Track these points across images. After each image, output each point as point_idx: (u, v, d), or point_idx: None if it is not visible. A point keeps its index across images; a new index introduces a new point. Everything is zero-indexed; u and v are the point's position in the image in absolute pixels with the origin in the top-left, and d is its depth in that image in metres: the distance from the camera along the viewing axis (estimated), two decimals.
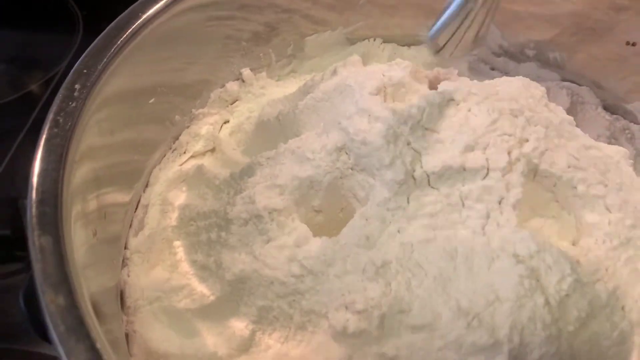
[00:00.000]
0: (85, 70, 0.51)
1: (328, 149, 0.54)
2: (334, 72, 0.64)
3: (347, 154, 0.55)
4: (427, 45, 0.56)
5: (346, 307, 0.49)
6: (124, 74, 0.56)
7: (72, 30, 0.97)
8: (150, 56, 0.60)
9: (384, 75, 0.59)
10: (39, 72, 0.92)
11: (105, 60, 0.53)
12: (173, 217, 0.62)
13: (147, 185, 0.65)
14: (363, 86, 0.57)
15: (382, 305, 0.48)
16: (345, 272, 0.50)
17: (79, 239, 0.46)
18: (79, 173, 0.48)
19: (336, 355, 0.49)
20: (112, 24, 0.55)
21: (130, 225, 0.62)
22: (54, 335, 0.35)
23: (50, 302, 0.36)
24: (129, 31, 0.55)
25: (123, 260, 0.59)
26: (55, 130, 0.46)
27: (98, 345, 0.35)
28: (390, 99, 0.58)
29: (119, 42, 0.54)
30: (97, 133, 0.52)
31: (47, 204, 0.41)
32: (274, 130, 0.64)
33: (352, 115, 0.55)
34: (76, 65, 0.51)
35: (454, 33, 0.55)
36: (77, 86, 0.49)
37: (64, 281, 0.37)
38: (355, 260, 0.50)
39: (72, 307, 0.36)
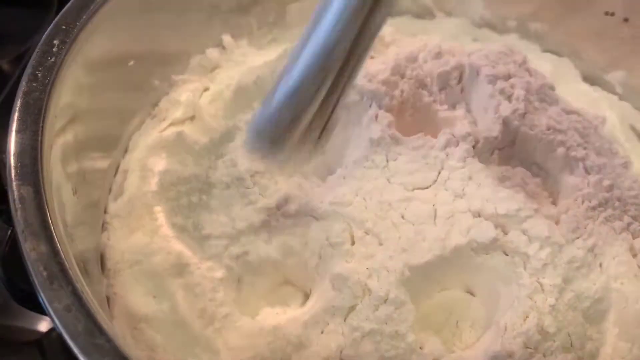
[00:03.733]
0: (64, 27, 0.50)
1: None
2: None
3: None
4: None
5: None
6: (103, 33, 0.55)
7: (46, 4, 0.94)
8: (131, 17, 0.59)
9: None
10: (10, 47, 0.89)
11: (84, 17, 0.52)
12: (153, 183, 0.61)
13: (126, 151, 0.64)
14: None
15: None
16: None
17: (62, 197, 0.45)
18: (59, 131, 0.47)
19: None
20: None
21: (110, 191, 0.61)
22: (35, 282, 0.35)
23: (31, 250, 0.35)
24: None
25: (103, 225, 0.58)
26: (34, 84, 0.45)
27: (81, 291, 0.34)
28: None
29: (99, 0, 0.53)
30: (76, 92, 0.51)
31: (27, 156, 0.41)
32: (252, 95, 0.64)
33: None
34: (55, 20, 0.50)
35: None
36: (56, 42, 0.48)
37: (46, 229, 0.37)
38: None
39: (54, 254, 0.36)
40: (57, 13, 0.88)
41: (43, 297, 0.34)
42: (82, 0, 0.52)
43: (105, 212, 0.59)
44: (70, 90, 0.50)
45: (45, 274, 0.34)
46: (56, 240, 0.36)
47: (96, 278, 0.50)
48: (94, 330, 0.33)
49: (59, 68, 0.47)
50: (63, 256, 0.36)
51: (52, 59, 0.47)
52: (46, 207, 0.38)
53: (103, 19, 0.54)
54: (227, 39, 0.73)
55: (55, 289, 0.34)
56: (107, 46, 0.56)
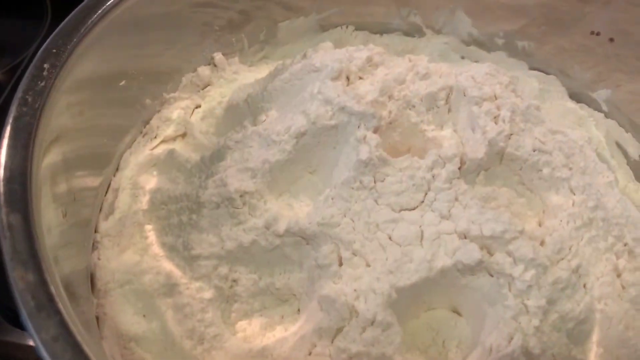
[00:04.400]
0: (54, 50, 0.50)
1: (291, 133, 0.56)
2: (304, 56, 0.64)
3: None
4: None
5: None
6: (94, 55, 0.55)
7: (40, 15, 0.94)
8: (122, 38, 0.59)
9: (348, 57, 0.61)
10: (4, 58, 0.88)
11: (75, 40, 0.52)
12: (144, 201, 0.61)
13: (117, 169, 0.64)
14: (326, 69, 0.59)
15: None
16: None
17: (49, 220, 0.45)
18: (48, 154, 0.47)
19: None
20: (84, 2, 0.54)
21: (101, 209, 0.61)
22: (23, 311, 0.35)
23: (19, 279, 0.36)
24: (100, 11, 0.54)
25: (93, 244, 0.58)
26: (24, 109, 0.46)
27: (68, 321, 0.34)
28: (351, 82, 0.60)
29: (89, 23, 0.54)
30: (66, 114, 0.52)
31: (16, 182, 0.41)
32: (242, 113, 0.64)
33: (314, 101, 0.57)
34: (45, 44, 0.50)
35: None
36: (46, 65, 0.49)
37: (34, 258, 0.37)
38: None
39: (42, 283, 0.36)
40: (50, 24, 0.90)
41: (31, 327, 0.34)
42: (72, 23, 0.53)
43: (95, 231, 0.59)
44: (61, 112, 0.50)
45: (33, 303, 0.35)
46: (44, 269, 0.37)
47: (85, 299, 0.50)
48: None
49: (49, 92, 0.47)
50: (51, 285, 0.36)
51: (42, 83, 0.47)
52: (34, 235, 0.38)
53: (94, 41, 0.54)
54: (218, 56, 0.73)
55: (43, 318, 0.34)
56: (98, 67, 0.57)
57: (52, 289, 0.36)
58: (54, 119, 0.48)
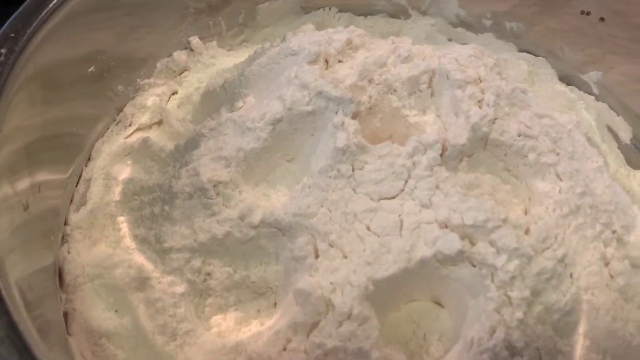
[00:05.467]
0: (12, 34, 0.48)
1: (267, 119, 0.53)
2: (284, 40, 0.62)
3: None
4: None
5: None
6: (59, 39, 0.53)
7: (20, 2, 0.91)
8: (90, 21, 0.57)
9: (327, 40, 0.58)
10: None
11: (35, 24, 0.50)
12: (117, 192, 0.59)
13: (89, 159, 0.62)
14: (304, 52, 0.56)
15: None
16: None
17: (5, 215, 0.43)
18: (6, 145, 0.45)
19: None
20: None
21: (71, 201, 0.59)
22: None
23: None
24: None
25: (63, 237, 0.56)
26: None
27: (17, 322, 0.32)
28: (330, 65, 0.58)
29: (51, 6, 0.51)
30: (27, 102, 0.49)
31: None
32: (219, 99, 0.62)
33: (290, 86, 0.54)
34: (3, 28, 0.48)
35: None
36: (2, 51, 0.46)
37: None
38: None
39: None
40: None
41: None
42: (33, 6, 0.50)
43: (65, 223, 0.57)
44: (21, 100, 0.48)
45: None
46: None
47: (48, 297, 0.48)
48: None
49: (6, 78, 0.45)
50: (0, 284, 0.34)
51: None
52: None
53: (58, 25, 0.52)
54: (195, 40, 0.71)
55: None
56: (63, 53, 0.54)
57: (1, 288, 0.34)
58: (12, 108, 0.46)
